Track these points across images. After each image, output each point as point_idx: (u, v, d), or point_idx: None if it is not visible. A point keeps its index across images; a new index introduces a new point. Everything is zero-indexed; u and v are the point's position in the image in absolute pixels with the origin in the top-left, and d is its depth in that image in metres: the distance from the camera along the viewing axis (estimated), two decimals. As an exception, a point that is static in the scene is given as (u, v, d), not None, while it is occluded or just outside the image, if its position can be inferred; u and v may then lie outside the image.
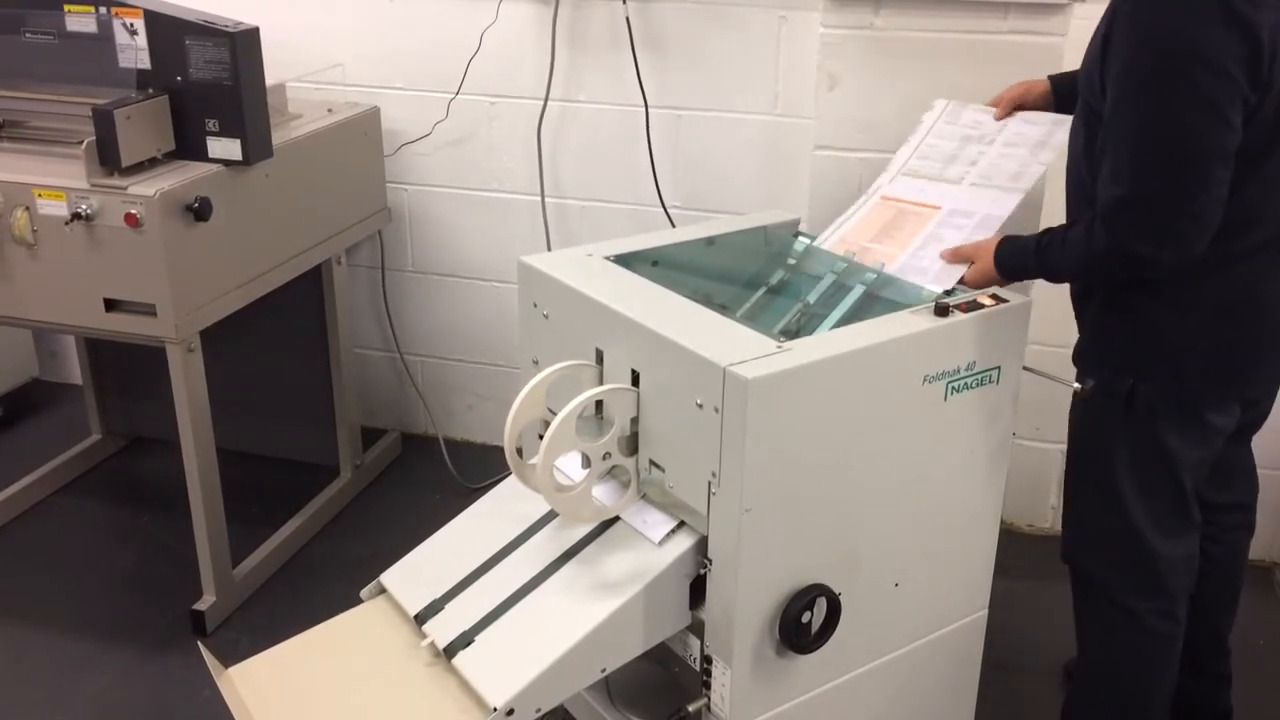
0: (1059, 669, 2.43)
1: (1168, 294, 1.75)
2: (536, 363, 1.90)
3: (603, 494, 1.76)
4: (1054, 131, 2.02)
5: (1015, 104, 2.09)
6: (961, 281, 1.85)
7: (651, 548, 1.68)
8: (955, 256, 1.88)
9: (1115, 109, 1.65)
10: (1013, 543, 2.48)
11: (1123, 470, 1.84)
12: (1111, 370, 1.82)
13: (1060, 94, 2.07)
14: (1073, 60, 2.28)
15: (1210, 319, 1.76)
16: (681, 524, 1.69)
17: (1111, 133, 1.66)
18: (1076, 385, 1.85)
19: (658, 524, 1.70)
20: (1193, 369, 1.78)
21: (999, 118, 2.09)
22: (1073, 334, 1.91)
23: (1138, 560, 1.88)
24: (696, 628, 1.71)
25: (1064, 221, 1.83)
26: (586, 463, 1.71)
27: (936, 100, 2.20)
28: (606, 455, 1.71)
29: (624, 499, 1.75)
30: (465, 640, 1.64)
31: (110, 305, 2.28)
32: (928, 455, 1.75)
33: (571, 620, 1.62)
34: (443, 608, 1.71)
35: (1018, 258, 1.80)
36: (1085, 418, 1.91)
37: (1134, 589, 1.91)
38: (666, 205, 2.87)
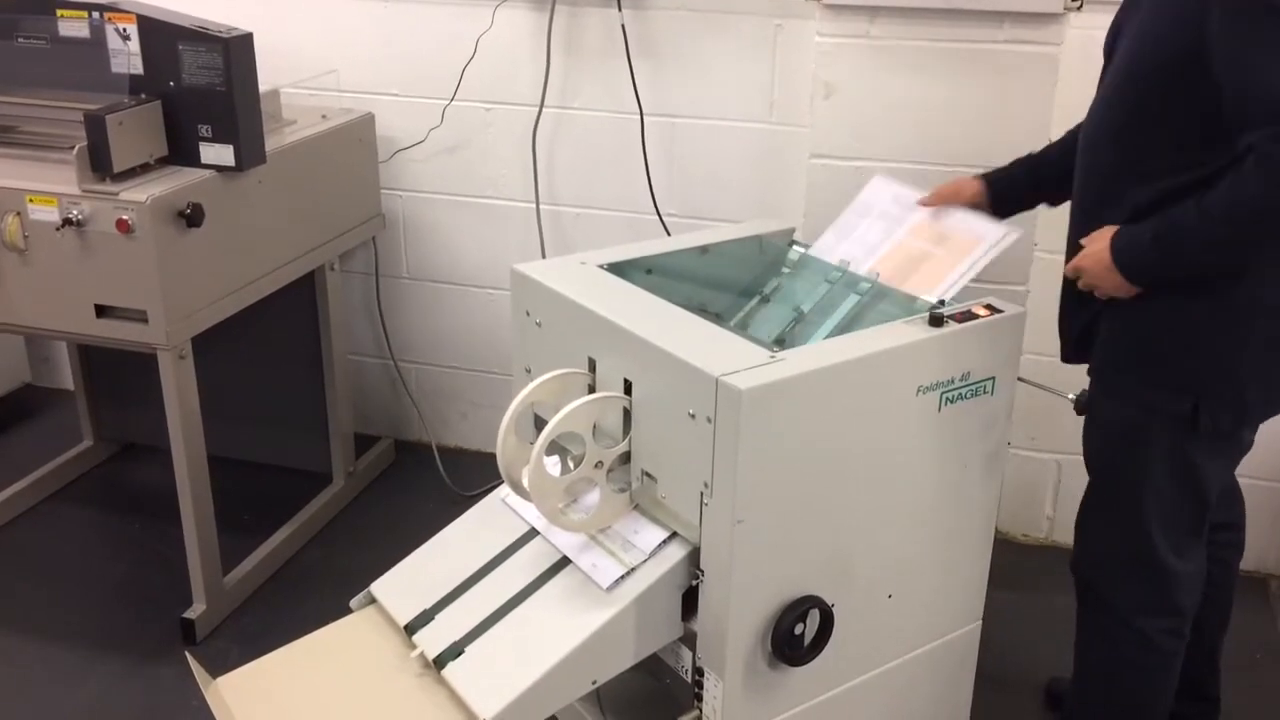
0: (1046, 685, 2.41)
1: (1223, 297, 1.64)
2: (529, 371, 1.89)
3: (595, 504, 1.75)
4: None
5: (946, 201, 1.98)
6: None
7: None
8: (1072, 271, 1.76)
9: (1247, 39, 1.49)
10: (1007, 553, 2.47)
11: (1152, 493, 1.76)
12: (1170, 391, 1.70)
13: (997, 193, 1.97)
14: (1069, 70, 2.28)
15: (1265, 325, 1.65)
16: (674, 535, 1.68)
17: (1249, 65, 1.49)
18: (1071, 396, 1.84)
19: (650, 534, 1.70)
20: (1253, 383, 1.68)
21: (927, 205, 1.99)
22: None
23: (1154, 580, 1.83)
24: (688, 639, 1.70)
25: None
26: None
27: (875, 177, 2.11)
28: (599, 464, 1.70)
29: (616, 509, 1.74)
30: (455, 651, 1.63)
31: (101, 311, 2.27)
32: (922, 466, 1.74)
33: (562, 631, 1.61)
34: (433, 618, 1.70)
35: (1135, 250, 1.64)
36: (1119, 439, 1.80)
37: (1147, 608, 1.85)
38: (661, 213, 2.86)
